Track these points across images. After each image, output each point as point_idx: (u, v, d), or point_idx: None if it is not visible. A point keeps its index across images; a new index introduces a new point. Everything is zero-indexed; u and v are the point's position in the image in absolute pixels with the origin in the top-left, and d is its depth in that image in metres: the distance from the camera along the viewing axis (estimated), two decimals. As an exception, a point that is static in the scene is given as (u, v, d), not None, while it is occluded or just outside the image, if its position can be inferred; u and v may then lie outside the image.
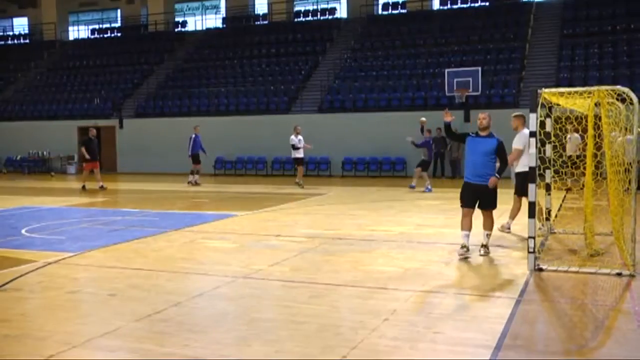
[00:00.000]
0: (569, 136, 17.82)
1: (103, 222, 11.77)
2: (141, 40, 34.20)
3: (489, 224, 8.34)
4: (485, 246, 8.30)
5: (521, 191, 9.46)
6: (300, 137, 18.77)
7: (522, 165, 9.46)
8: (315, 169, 24.53)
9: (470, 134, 8.40)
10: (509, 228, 10.02)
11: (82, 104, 29.87)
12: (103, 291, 6.65)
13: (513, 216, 10.00)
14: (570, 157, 19.14)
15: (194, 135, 20.21)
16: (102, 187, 18.74)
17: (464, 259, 7.95)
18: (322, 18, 32.02)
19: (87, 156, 18.80)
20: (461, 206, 8.35)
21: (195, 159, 20.26)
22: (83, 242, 9.46)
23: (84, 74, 32.60)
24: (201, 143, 20.23)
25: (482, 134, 8.26)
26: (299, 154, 18.84)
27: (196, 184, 20.05)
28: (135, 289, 6.70)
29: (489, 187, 8.10)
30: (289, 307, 5.92)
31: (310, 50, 29.35)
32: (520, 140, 9.54)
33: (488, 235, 8.37)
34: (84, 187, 18.80)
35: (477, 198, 8.25)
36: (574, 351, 4.69)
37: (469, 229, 8.22)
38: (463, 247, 8.08)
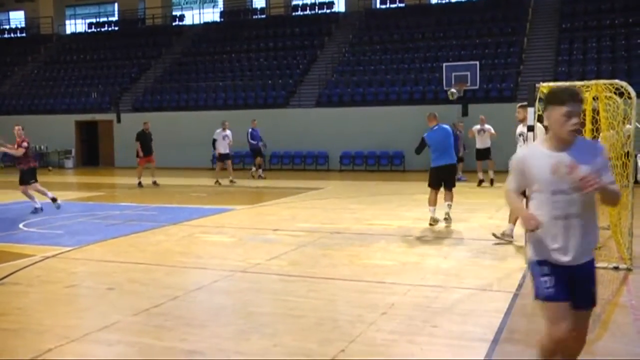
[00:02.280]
0: (478, 127, 16.87)
1: (101, 217, 11.77)
2: (138, 34, 34.08)
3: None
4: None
5: None
6: (227, 132, 18.53)
7: None
8: (313, 163, 24.52)
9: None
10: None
11: (80, 98, 29.79)
12: (101, 285, 6.66)
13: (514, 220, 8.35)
14: (479, 150, 17.93)
15: (250, 129, 19.72)
16: (155, 182, 17.94)
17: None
18: (320, 12, 31.95)
19: (141, 153, 17.74)
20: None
21: (256, 152, 20.09)
22: (81, 236, 9.46)
23: (82, 68, 32.51)
24: (260, 136, 19.78)
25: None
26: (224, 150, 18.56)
27: (260, 177, 19.93)
28: (133, 283, 6.71)
29: None
30: (287, 301, 5.93)
31: (308, 44, 29.28)
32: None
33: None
34: (139, 183, 17.82)
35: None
36: (571, 344, 4.70)
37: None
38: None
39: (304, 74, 27.50)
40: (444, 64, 22.78)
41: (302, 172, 23.43)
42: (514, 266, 7.21)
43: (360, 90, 25.00)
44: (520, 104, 9.37)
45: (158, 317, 5.45)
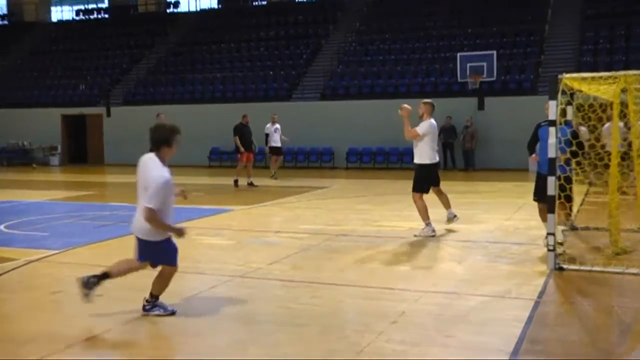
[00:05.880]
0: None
1: (90, 217, 11.79)
2: (130, 22, 34.14)
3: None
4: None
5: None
6: (276, 125, 18.52)
7: (418, 156, 10.32)
8: (318, 161, 24.52)
9: (542, 123, 8.20)
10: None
11: (66, 90, 29.86)
12: (89, 291, 6.64)
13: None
14: None
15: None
16: (251, 183, 17.09)
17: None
18: (325, -2, 31.97)
19: (242, 149, 16.77)
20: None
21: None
22: (68, 238, 9.47)
23: (69, 59, 32.56)
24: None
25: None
26: (275, 144, 18.72)
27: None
28: (124, 288, 6.69)
29: None
30: (290, 309, 5.92)
31: (312, 33, 29.28)
32: (423, 127, 10.07)
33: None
34: (236, 182, 16.96)
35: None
36: (597, 357, 4.68)
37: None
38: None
39: (307, 64, 27.50)
40: (458, 54, 22.74)
41: (305, 169, 23.43)
42: (534, 271, 7.18)
43: (367, 82, 24.98)
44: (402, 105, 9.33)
45: (151, 325, 5.44)
